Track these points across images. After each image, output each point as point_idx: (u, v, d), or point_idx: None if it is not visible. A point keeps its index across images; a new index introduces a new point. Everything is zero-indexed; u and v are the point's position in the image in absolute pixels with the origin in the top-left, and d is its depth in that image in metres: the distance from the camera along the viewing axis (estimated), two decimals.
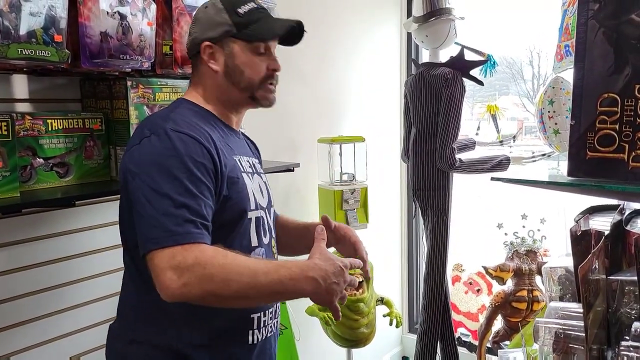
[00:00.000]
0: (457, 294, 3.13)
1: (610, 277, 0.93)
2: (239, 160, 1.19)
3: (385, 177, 3.07)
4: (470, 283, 3.14)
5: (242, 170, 1.18)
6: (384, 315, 2.48)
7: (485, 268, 2.71)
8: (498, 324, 2.77)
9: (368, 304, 2.35)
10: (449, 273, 3.01)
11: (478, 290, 3.13)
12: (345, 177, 2.47)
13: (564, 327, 0.84)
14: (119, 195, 1.17)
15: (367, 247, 2.59)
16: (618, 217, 1.07)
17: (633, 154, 0.69)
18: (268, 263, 1.05)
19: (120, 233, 1.19)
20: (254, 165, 1.27)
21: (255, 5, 1.21)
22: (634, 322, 0.79)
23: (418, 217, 3.15)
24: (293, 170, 2.00)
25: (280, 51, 2.07)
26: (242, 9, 1.19)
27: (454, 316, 3.08)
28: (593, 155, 0.72)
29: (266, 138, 2.26)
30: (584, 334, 0.82)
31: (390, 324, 2.46)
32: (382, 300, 2.50)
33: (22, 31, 1.18)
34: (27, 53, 1.19)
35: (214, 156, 1.09)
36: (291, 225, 1.46)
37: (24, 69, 1.39)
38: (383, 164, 3.03)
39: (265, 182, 1.30)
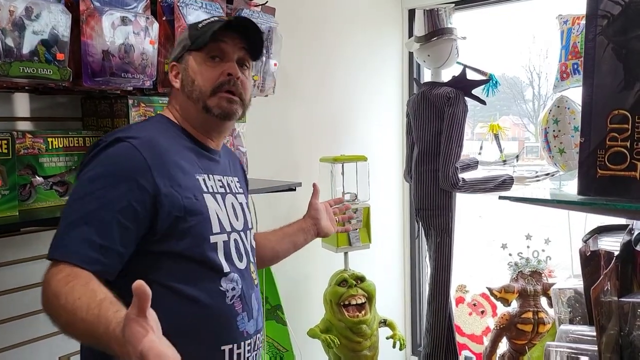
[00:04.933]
0: (461, 316, 3.09)
1: (622, 299, 0.90)
2: (203, 179, 1.11)
3: (388, 196, 3.05)
4: (475, 304, 3.09)
5: (205, 190, 1.09)
6: (387, 338, 2.44)
7: (489, 289, 2.68)
8: (503, 346, 2.72)
9: (371, 325, 2.32)
10: (452, 294, 2.97)
11: (482, 312, 3.09)
12: (347, 197, 2.45)
13: (575, 351, 0.82)
14: None
15: (369, 268, 2.57)
16: (627, 238, 1.05)
17: None
18: (93, 308, 0.83)
19: None
20: (228, 185, 1.19)
21: (217, 18, 1.16)
22: None
23: (421, 237, 3.12)
24: (295, 190, 1.98)
25: (282, 71, 2.09)
26: (202, 23, 1.15)
27: (458, 338, 3.02)
28: (604, 174, 0.70)
29: (268, 157, 2.26)
30: (597, 359, 0.79)
31: (394, 346, 2.42)
32: (385, 322, 2.46)
33: (25, 49, 1.18)
34: (29, 71, 1.19)
35: (158, 172, 1.01)
36: (269, 235, 1.46)
37: (26, 88, 1.39)
38: (386, 184, 3.02)
39: (241, 203, 1.22)
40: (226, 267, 1.08)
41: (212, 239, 1.07)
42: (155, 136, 1.07)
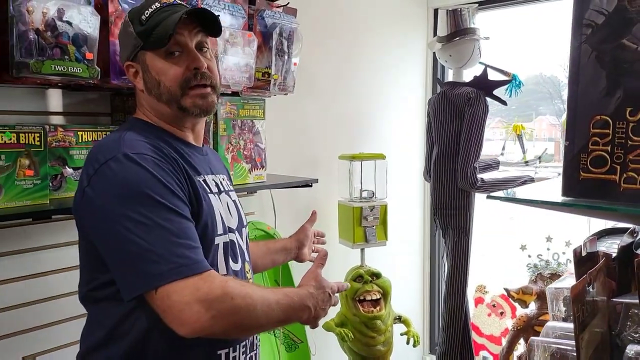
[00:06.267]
0: (479, 316, 3.09)
1: (614, 300, 0.92)
2: (203, 180, 1.08)
3: (406, 195, 3.08)
4: (494, 305, 3.09)
5: (209, 190, 1.08)
6: (402, 334, 2.47)
7: (507, 290, 2.68)
8: (521, 348, 2.71)
9: (385, 321, 2.35)
10: (471, 294, 2.97)
11: (502, 314, 3.08)
12: (365, 194, 2.49)
13: (560, 346, 0.84)
14: None
15: (386, 265, 2.59)
16: (628, 240, 1.07)
17: (624, 175, 0.70)
18: (276, 290, 1.03)
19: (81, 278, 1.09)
20: (220, 183, 1.16)
21: (159, 5, 1.07)
22: (629, 345, 0.78)
23: (438, 236, 3.14)
24: (311, 186, 2.03)
25: (303, 69, 2.14)
26: (145, 15, 1.06)
27: (476, 339, 3.03)
28: (586, 176, 0.73)
29: (287, 154, 2.32)
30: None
31: (408, 342, 2.45)
32: (400, 319, 2.49)
33: (56, 49, 1.27)
34: (60, 69, 1.27)
35: (181, 176, 1.00)
36: (254, 247, 1.42)
37: (59, 84, 1.48)
38: (405, 182, 3.04)
39: (234, 201, 1.19)
40: (222, 270, 1.07)
41: (216, 240, 1.06)
42: (153, 142, 1.03)
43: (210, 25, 1.10)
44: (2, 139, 1.27)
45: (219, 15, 1.14)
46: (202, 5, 1.61)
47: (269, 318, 0.97)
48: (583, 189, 0.73)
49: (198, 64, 1.06)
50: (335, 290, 1.11)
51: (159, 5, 1.07)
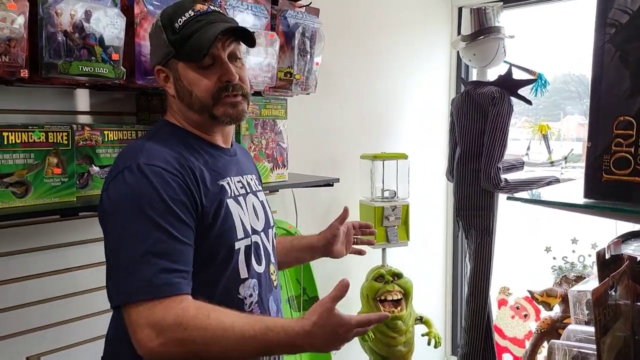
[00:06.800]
0: (503, 319, 3.05)
1: (639, 304, 0.90)
2: (227, 183, 1.09)
3: (429, 195, 3.05)
4: (518, 308, 3.05)
5: (229, 194, 1.08)
6: (423, 335, 2.46)
7: (531, 292, 2.64)
8: (545, 351, 2.67)
9: (406, 322, 2.35)
10: (494, 296, 2.94)
11: (525, 316, 3.04)
12: (386, 194, 2.49)
13: (582, 350, 0.83)
14: None
15: (408, 266, 2.57)
16: None
17: None
18: (255, 324, 0.92)
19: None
20: (248, 184, 1.17)
21: (193, 14, 1.06)
22: None
23: (460, 237, 3.11)
24: (332, 185, 2.03)
25: (326, 68, 2.15)
26: (178, 23, 1.06)
27: (499, 341, 2.99)
28: (609, 178, 0.71)
29: (309, 154, 2.32)
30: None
31: (429, 343, 2.44)
32: (421, 319, 2.48)
33: (83, 50, 1.30)
34: (87, 70, 1.31)
35: (193, 189, 1.00)
36: (279, 246, 1.39)
37: (86, 84, 1.51)
38: (427, 182, 3.02)
39: (262, 202, 1.20)
40: (244, 273, 1.07)
41: (236, 245, 1.06)
42: (175, 151, 1.04)
43: (245, 37, 1.12)
44: (31, 138, 1.31)
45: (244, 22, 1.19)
46: (225, 7, 1.63)
47: (242, 352, 0.91)
48: (605, 191, 0.72)
49: (230, 77, 1.07)
50: (354, 327, 0.93)
51: (192, 13, 1.06)
